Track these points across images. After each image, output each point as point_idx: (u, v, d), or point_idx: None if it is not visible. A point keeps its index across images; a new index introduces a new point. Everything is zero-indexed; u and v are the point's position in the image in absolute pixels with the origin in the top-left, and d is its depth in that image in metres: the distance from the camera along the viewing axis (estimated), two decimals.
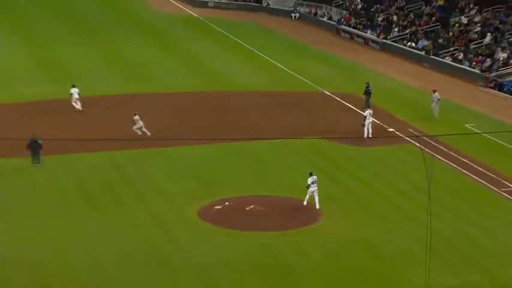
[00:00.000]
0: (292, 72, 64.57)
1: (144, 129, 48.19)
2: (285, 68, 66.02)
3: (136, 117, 48.32)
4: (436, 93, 52.79)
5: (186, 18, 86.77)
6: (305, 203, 38.11)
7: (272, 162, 45.19)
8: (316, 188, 38.03)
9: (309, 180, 38.10)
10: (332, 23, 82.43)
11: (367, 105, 53.04)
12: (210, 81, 62.49)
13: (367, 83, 55.81)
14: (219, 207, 38.99)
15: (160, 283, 31.49)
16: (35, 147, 43.44)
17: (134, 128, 48.23)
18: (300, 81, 62.02)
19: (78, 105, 54.08)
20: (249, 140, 46.84)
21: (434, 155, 44.47)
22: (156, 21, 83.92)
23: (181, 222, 37.15)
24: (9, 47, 71.39)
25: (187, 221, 37.18)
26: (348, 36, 78.79)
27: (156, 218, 37.63)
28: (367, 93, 54.80)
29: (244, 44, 74.48)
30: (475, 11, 72.16)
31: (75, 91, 54.36)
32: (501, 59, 63.04)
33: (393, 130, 50.26)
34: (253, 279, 31.97)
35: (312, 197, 37.96)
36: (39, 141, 43.36)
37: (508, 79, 60.70)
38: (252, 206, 38.64)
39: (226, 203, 39.32)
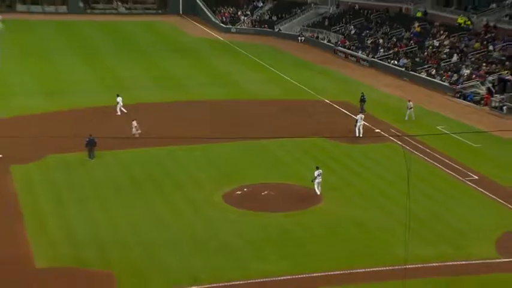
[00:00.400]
0: (298, 84, 64.14)
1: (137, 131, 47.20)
2: (292, 81, 65.68)
3: (135, 122, 47.52)
4: (410, 102, 53.21)
5: (213, 41, 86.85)
6: (318, 192, 38.34)
7: (282, 156, 45.47)
8: (320, 179, 38.25)
9: (315, 173, 38.27)
10: (330, 45, 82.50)
11: (362, 111, 53.12)
12: (231, 91, 62.52)
13: (362, 93, 56.07)
14: (239, 192, 39.40)
15: (193, 254, 31.95)
16: (91, 145, 43.95)
17: (133, 132, 47.26)
18: (304, 91, 61.85)
19: (122, 110, 54.24)
20: (263, 139, 47.02)
21: (412, 151, 45.34)
22: (190, 44, 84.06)
23: (209, 204, 37.72)
24: (74, 65, 71.78)
25: (213, 204, 37.78)
26: (343, 55, 78.93)
27: (190, 201, 38.17)
28: (362, 100, 54.85)
29: (260, 61, 74.29)
30: (444, 36, 72.71)
31: (119, 99, 54.79)
32: (465, 74, 63.43)
33: (379, 131, 50.58)
34: (268, 251, 32.53)
35: (317, 184, 38.29)
36: (95, 140, 43.81)
37: (470, 91, 60.85)
38: (266, 192, 39.35)
39: (245, 189, 39.73)
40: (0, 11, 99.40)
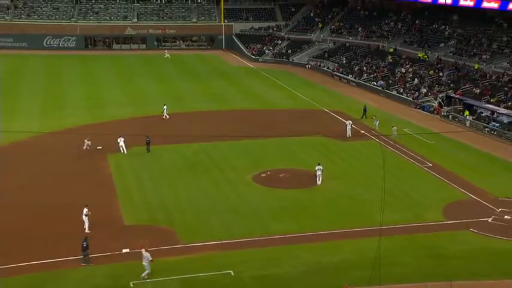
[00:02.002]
0: (306, 98, 63.70)
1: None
2: (302, 96, 65.29)
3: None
4: (376, 116, 51.28)
5: (246, 68, 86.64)
6: (319, 183, 37.02)
7: (295, 149, 45.05)
8: (320, 173, 36.96)
9: (316, 168, 37.15)
10: (329, 70, 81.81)
11: (364, 117, 52.76)
12: (258, 103, 62.05)
13: (365, 105, 55.12)
14: (264, 174, 39.31)
15: (230, 218, 32.04)
16: (148, 142, 43.42)
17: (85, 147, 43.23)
18: (310, 103, 61.18)
19: (166, 116, 53.48)
20: (281, 137, 47.03)
21: (386, 146, 45.04)
22: (229, 70, 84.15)
23: (242, 182, 37.82)
24: (149, 84, 71.73)
25: (245, 182, 37.89)
26: (337, 78, 78.01)
27: (228, 180, 38.26)
28: (365, 110, 54.13)
29: (279, 82, 74.20)
30: (409, 65, 72.00)
31: (165, 107, 53.85)
32: (423, 92, 62.56)
33: (364, 132, 49.87)
34: (284, 215, 32.62)
35: (319, 177, 37.27)
36: (149, 139, 43.32)
37: (426, 104, 59.94)
38: (282, 174, 39.09)
39: (268, 173, 39.62)
40: (104, 49, 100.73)
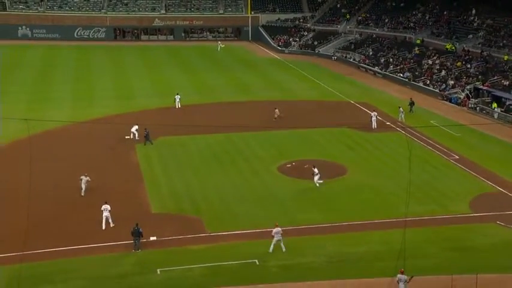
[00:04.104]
0: (331, 90, 63.34)
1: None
2: (327, 87, 65.06)
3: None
4: (401, 108, 50.52)
5: (272, 59, 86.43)
6: (317, 185, 34.74)
7: (319, 141, 44.87)
8: (318, 177, 34.76)
9: (316, 171, 35.01)
10: (355, 62, 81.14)
11: (410, 111, 51.62)
12: (284, 94, 61.92)
13: (411, 98, 53.87)
14: (289, 165, 39.17)
15: (255, 207, 32.22)
16: (147, 135, 42.85)
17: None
18: (336, 95, 60.96)
19: (178, 106, 53.53)
20: (306, 128, 46.80)
21: (412, 138, 44.60)
22: (256, 61, 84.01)
23: (267, 173, 37.82)
24: (176, 74, 71.99)
25: (271, 173, 37.86)
26: (364, 70, 77.40)
27: (254, 170, 38.32)
28: (411, 104, 52.69)
29: (304, 73, 74.21)
30: (436, 57, 70.89)
31: (177, 97, 53.85)
32: (450, 84, 61.94)
33: (389, 123, 49.32)
34: (308, 206, 32.58)
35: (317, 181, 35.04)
36: (147, 131, 42.59)
37: (454, 96, 59.24)
38: (307, 165, 38.63)
39: (293, 163, 39.47)
40: (132, 40, 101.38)
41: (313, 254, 27.02)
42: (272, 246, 26.79)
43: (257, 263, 26.09)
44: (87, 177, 33.32)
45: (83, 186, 32.91)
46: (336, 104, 57.29)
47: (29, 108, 54.63)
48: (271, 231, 27.04)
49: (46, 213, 31.02)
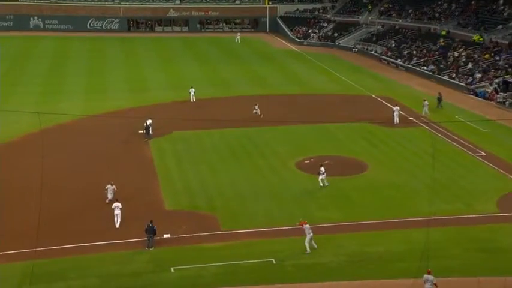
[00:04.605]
0: (351, 83, 63.05)
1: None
2: (347, 80, 64.68)
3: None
4: (426, 101, 49.95)
5: (290, 51, 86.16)
6: (321, 184, 34.18)
7: (339, 136, 44.76)
8: (324, 176, 34.23)
9: (322, 169, 34.41)
10: (376, 54, 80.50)
11: (438, 107, 51.06)
12: (302, 87, 61.93)
13: (439, 93, 53.14)
14: (307, 161, 39.14)
15: (272, 205, 32.20)
16: (147, 129, 43.29)
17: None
18: (356, 88, 60.66)
19: (193, 99, 53.86)
20: (325, 123, 46.56)
21: (436, 134, 44.22)
22: (273, 53, 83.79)
23: (285, 169, 37.83)
24: (192, 67, 72.40)
25: (288, 169, 37.86)
26: (385, 62, 76.73)
27: (271, 167, 38.35)
28: (439, 99, 52.13)
29: (324, 66, 73.83)
30: (462, 49, 70.05)
31: (192, 90, 54.20)
32: (477, 77, 61.17)
33: (412, 118, 48.93)
34: (327, 203, 32.61)
35: (322, 180, 34.39)
36: (147, 125, 42.89)
37: (481, 90, 58.50)
38: (326, 161, 38.44)
39: (311, 159, 39.42)
40: (146, 31, 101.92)
41: (332, 253, 27.03)
42: (307, 244, 26.66)
43: (274, 262, 26.08)
44: (113, 186, 32.08)
45: (109, 195, 31.79)
46: (356, 98, 57.03)
47: (40, 100, 55.30)
48: (302, 228, 26.89)
49: (58, 210, 31.37)
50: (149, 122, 44.46)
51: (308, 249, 26.74)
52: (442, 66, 68.09)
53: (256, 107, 48.87)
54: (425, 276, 22.85)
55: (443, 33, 77.47)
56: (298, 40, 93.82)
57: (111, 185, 32.31)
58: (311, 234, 26.72)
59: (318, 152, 40.96)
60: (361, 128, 46.79)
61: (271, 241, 28.15)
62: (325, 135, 45.01)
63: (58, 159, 39.15)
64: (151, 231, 27.36)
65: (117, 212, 29.50)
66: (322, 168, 34.41)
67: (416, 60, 72.98)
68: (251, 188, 34.69)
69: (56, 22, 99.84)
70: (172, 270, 25.56)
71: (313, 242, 26.98)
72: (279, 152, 41.02)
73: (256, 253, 26.81)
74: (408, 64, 72.83)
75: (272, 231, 29.11)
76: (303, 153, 40.67)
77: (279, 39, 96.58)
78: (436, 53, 72.49)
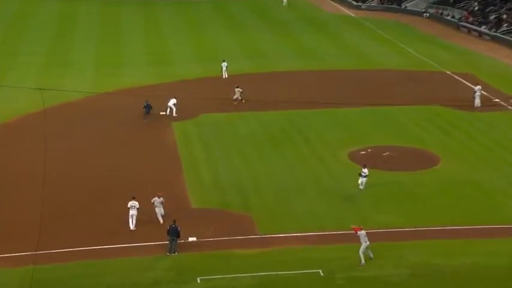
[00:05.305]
0: (421, 56, 62.05)
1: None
2: (415, 53, 63.78)
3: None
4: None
5: (345, 17, 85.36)
6: (361, 187, 33.41)
7: (404, 122, 44.43)
8: (365, 179, 33.35)
9: (364, 170, 33.57)
10: (454, 20, 79.14)
11: None
12: (358, 61, 61.30)
13: None
14: (364, 152, 39.02)
15: (319, 203, 32.19)
16: (147, 108, 43.73)
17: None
18: (427, 63, 59.75)
19: (225, 75, 54.46)
20: (387, 105, 46.18)
21: None
22: (323, 19, 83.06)
23: (336, 161, 37.87)
24: (223, 36, 72.76)
25: (340, 160, 37.86)
26: (465, 30, 75.42)
27: (319, 158, 38.29)
28: None
29: (386, 35, 72.85)
30: None
31: (224, 65, 54.75)
32: None
33: (498, 100, 47.93)
34: (388, 204, 32.30)
35: (361, 183, 33.62)
36: (151, 105, 43.64)
37: None
38: (387, 153, 38.55)
39: (369, 150, 39.30)
40: None
41: (393, 265, 26.94)
42: (362, 254, 26.51)
43: (321, 273, 26.06)
44: (161, 198, 30.15)
45: (158, 210, 29.95)
46: (426, 75, 56.33)
47: (43, 74, 56.38)
48: (356, 233, 26.74)
49: (64, 205, 31.89)
50: (173, 102, 44.95)
51: (363, 260, 26.62)
52: None
53: (238, 90, 47.27)
54: None
55: None
56: (355, 3, 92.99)
57: (159, 197, 30.27)
58: (367, 242, 26.59)
59: (377, 141, 40.79)
60: (432, 111, 46.39)
61: (318, 248, 28.13)
62: (386, 120, 44.81)
63: (63, 144, 39.80)
64: (174, 233, 27.61)
65: (133, 211, 29.65)
66: (366, 170, 33.40)
67: (507, 26, 71.24)
68: (294, 182, 34.70)
69: None
70: (199, 281, 25.80)
71: (369, 251, 26.86)
72: (328, 140, 41.02)
73: (300, 262, 26.84)
74: (495, 32, 71.30)
75: (319, 237, 29.14)
76: (358, 142, 40.52)
77: (332, 2, 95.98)
78: None
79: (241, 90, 47.42)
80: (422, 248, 28.16)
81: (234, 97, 47.28)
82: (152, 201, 30.25)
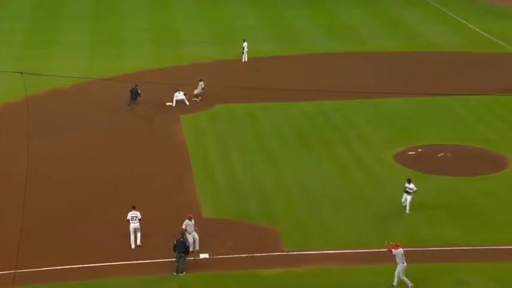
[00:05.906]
0: (486, 35, 61.70)
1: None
2: (479, 30, 63.28)
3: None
4: None
5: None
6: (407, 211, 32.17)
7: (462, 115, 44.27)
8: (410, 197, 32.13)
9: (410, 186, 32.27)
10: None
11: None
12: (407, 42, 61.22)
13: None
14: (413, 152, 38.93)
15: (358, 215, 32.15)
16: (133, 94, 44.37)
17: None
18: (493, 43, 59.45)
19: (245, 59, 55.12)
20: (441, 95, 45.65)
21: None
22: None
23: (378, 163, 37.76)
24: (243, 11, 73.06)
25: (383, 163, 37.74)
26: None
27: (358, 159, 38.29)
28: None
29: (443, 9, 72.17)
30: None
31: (245, 45, 55.29)
32: None
33: None
34: (442, 217, 32.08)
35: (405, 201, 32.51)
36: (139, 91, 44.40)
37: None
38: (442, 153, 38.39)
39: (419, 150, 39.20)
40: None
41: None
42: (397, 278, 26.26)
43: None
44: (192, 221, 29.04)
45: (191, 238, 28.87)
46: (489, 57, 56.14)
47: (26, 54, 56.61)
48: (391, 251, 26.49)
49: (49, 214, 31.81)
50: (180, 95, 44.94)
51: (396, 281, 26.20)
52: None
53: (200, 85, 46.97)
54: None
55: None
56: None
57: (190, 219, 29.13)
58: (404, 263, 26.10)
59: (429, 139, 40.68)
60: (497, 102, 46.21)
61: (356, 269, 28.06)
62: (442, 114, 44.71)
63: (49, 140, 39.78)
64: (182, 248, 27.52)
65: (134, 224, 29.16)
66: (413, 186, 32.19)
67: None
68: (327, 189, 34.63)
69: None
70: None
71: (403, 276, 26.08)
72: (370, 138, 41.06)
73: (333, 285, 26.79)
74: None
75: (357, 255, 29.10)
76: (405, 141, 40.48)
77: None
78: None
79: (203, 85, 46.67)
80: (484, 271, 27.87)
81: (195, 92, 46.58)
82: (184, 226, 28.82)
